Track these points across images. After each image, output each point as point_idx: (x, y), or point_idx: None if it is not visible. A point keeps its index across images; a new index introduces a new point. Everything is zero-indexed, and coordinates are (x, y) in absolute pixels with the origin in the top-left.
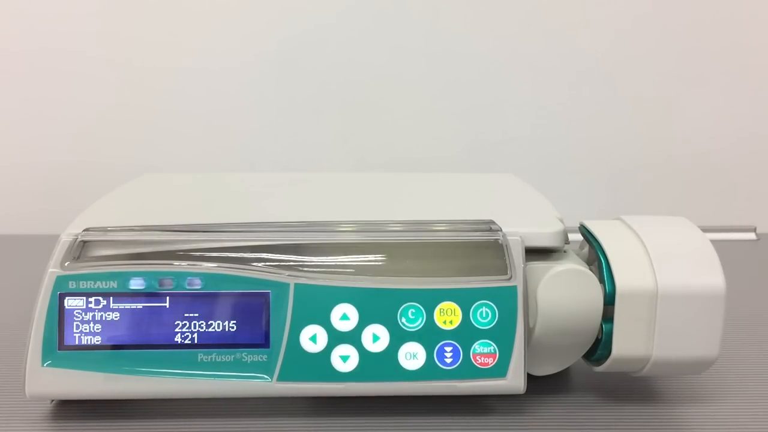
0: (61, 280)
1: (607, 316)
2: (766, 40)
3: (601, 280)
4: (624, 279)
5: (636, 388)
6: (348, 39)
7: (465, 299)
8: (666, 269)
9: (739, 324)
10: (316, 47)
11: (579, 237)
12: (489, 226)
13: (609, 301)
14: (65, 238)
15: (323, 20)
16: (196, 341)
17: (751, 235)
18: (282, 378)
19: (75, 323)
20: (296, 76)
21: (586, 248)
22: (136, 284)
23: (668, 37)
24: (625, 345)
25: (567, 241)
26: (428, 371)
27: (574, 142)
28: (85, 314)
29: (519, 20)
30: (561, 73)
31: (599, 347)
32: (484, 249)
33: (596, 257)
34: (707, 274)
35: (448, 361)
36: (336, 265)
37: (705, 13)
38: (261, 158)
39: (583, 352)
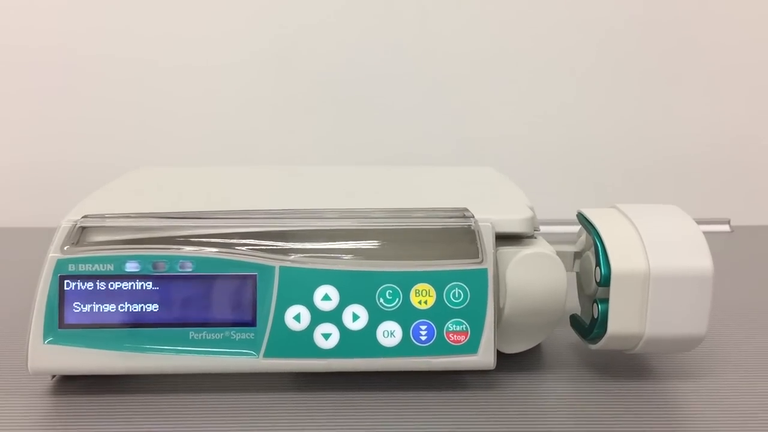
0: (61, 263)
1: (603, 297)
2: (739, 42)
3: (598, 264)
4: (619, 262)
5: (598, 363)
6: (341, 39)
7: (439, 281)
8: (658, 253)
9: (720, 309)
10: (309, 47)
11: (563, 229)
12: (463, 213)
13: (605, 282)
14: (65, 225)
15: (316, 19)
16: (187, 320)
17: (726, 227)
18: (268, 354)
19: (74, 303)
20: (289, 75)
21: (584, 235)
22: (131, 267)
23: (652, 39)
24: (619, 323)
25: (537, 228)
26: (404, 348)
27: (560, 139)
28: (84, 295)
29: (507, 21)
30: (548, 72)
31: (595, 326)
32: (457, 234)
33: (593, 242)
34: (696, 258)
35: (423, 338)
36: (318, 249)
37: (685, 14)
38: (255, 156)
39: (550, 331)
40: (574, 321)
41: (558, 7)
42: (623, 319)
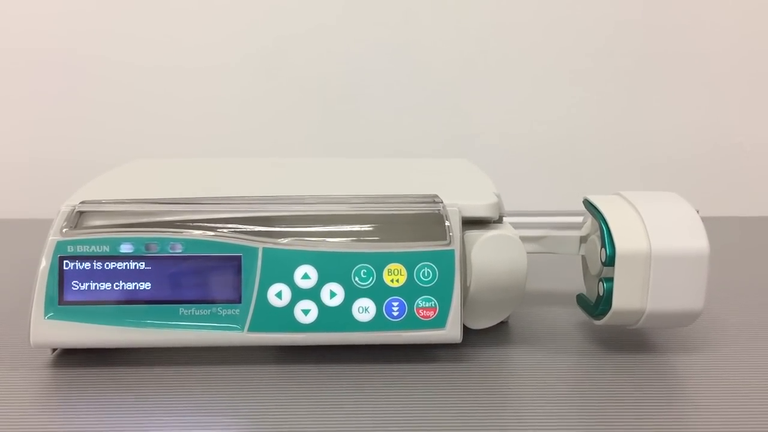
0: (60, 245)
1: (608, 276)
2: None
3: (603, 245)
4: (623, 243)
5: (559, 337)
6: (330, 39)
7: (410, 261)
8: (658, 234)
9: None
10: (298, 47)
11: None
12: (433, 199)
13: (610, 262)
14: (64, 209)
15: (305, 20)
16: (177, 297)
17: None
18: (252, 329)
19: (73, 282)
20: (278, 75)
21: (589, 221)
22: (125, 248)
23: (632, 43)
24: (623, 300)
25: (502, 213)
26: (378, 323)
27: (540, 136)
28: (82, 274)
29: (491, 21)
30: (530, 71)
31: (601, 303)
32: (427, 218)
33: (599, 226)
34: (693, 239)
35: (395, 314)
36: (299, 232)
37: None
38: (245, 154)
39: (513, 308)
40: (580, 299)
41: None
42: (627, 296)
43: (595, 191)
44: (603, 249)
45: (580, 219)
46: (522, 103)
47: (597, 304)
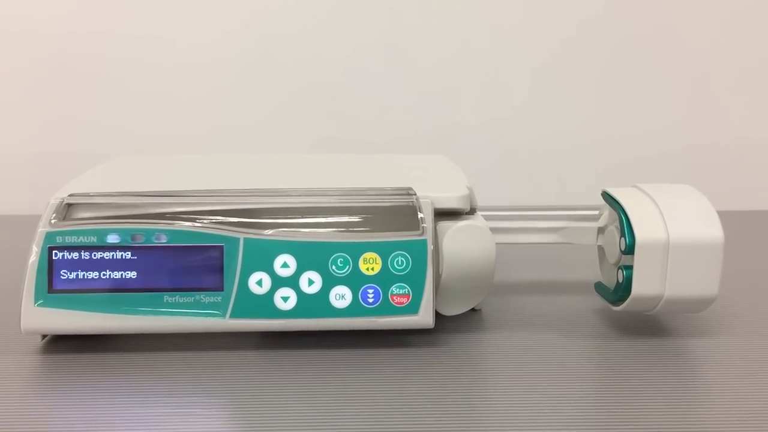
0: (50, 236)
1: (627, 264)
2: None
3: (622, 235)
4: (642, 232)
5: (527, 323)
6: (316, 38)
7: (384, 250)
8: (676, 224)
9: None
10: (285, 45)
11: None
12: (407, 191)
13: (629, 251)
14: (53, 202)
15: (293, 18)
16: (162, 286)
17: None
18: (234, 315)
19: (62, 271)
20: (266, 73)
21: (606, 212)
22: (112, 239)
23: (605, 42)
24: (642, 286)
25: (474, 205)
26: (354, 309)
27: (520, 132)
28: (70, 263)
29: (470, 20)
30: (509, 69)
31: (620, 290)
32: (401, 210)
33: (618, 216)
34: (709, 228)
35: (371, 300)
36: (278, 223)
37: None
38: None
39: (483, 296)
40: (599, 286)
41: (519, 8)
42: (645, 283)
43: (577, 190)
44: (622, 238)
45: (563, 212)
46: (509, 103)
47: (616, 291)
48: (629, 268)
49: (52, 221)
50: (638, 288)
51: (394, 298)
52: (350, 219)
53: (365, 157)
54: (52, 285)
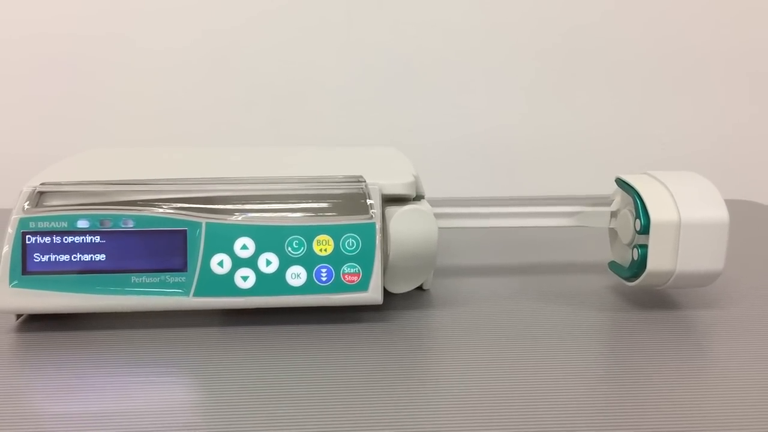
0: (23, 222)
1: (641, 243)
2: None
3: (637, 216)
4: (656, 214)
5: (474, 301)
6: (278, 37)
7: (336, 233)
8: (686, 206)
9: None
10: (248, 43)
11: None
12: (358, 179)
13: (644, 231)
14: (26, 190)
15: (254, 18)
16: (129, 267)
17: None
18: (197, 294)
19: (35, 254)
20: (229, 71)
21: (618, 197)
22: (82, 224)
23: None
24: (656, 263)
25: (420, 192)
26: (309, 287)
27: (477, 130)
28: (42, 247)
29: (426, 20)
30: (468, 70)
31: (635, 267)
32: (351, 196)
33: (632, 200)
34: (716, 209)
35: (324, 279)
36: (238, 209)
37: (597, 18)
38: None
39: (428, 274)
40: (613, 264)
41: (480, 9)
42: (659, 259)
43: (532, 186)
44: (638, 219)
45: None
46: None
47: (631, 268)
48: (644, 246)
49: (26, 208)
50: (653, 264)
51: (346, 276)
52: (305, 204)
53: (320, 148)
54: (25, 267)
